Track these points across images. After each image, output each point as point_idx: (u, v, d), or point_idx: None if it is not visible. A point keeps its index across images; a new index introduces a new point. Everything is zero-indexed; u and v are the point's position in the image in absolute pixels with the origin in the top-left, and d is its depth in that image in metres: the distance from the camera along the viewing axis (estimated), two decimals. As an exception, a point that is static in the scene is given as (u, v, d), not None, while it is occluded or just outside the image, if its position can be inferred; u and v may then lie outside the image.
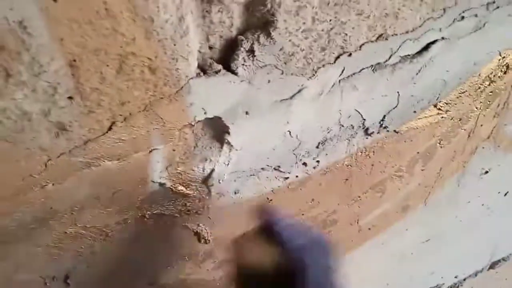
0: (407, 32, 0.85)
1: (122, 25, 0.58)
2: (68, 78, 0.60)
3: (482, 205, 1.62)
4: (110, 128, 0.69)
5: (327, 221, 1.23)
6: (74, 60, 0.58)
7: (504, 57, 1.07)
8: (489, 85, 1.12)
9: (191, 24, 0.65)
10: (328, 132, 0.98)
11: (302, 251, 0.69)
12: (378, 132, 1.07)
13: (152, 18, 0.60)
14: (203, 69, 0.72)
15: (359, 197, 1.23)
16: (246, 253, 0.76)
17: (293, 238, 0.71)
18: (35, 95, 0.59)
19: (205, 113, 0.77)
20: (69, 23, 0.55)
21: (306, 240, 0.71)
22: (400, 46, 0.87)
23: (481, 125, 1.25)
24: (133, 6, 0.57)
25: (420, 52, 0.93)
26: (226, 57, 0.74)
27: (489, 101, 1.19)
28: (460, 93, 1.10)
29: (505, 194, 1.65)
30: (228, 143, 0.85)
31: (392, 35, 0.84)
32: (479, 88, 1.12)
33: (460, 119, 1.19)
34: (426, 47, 0.93)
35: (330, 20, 0.75)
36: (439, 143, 1.21)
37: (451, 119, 1.17)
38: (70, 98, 0.62)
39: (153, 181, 0.84)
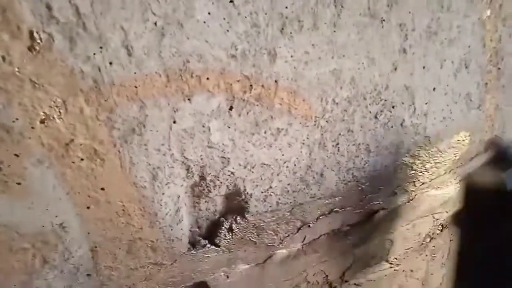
0: (351, 206, 1.06)
1: (134, 219, 0.76)
2: (89, 260, 0.76)
3: None
4: (116, 297, 0.83)
5: None
6: (95, 247, 0.75)
7: (437, 219, 1.28)
8: (430, 241, 1.31)
9: (184, 213, 0.84)
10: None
11: None
12: (341, 286, 1.21)
13: (156, 213, 0.78)
14: (193, 244, 0.89)
15: None
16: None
17: None
18: (62, 275, 0.74)
19: (193, 279, 0.92)
20: (96, 221, 0.73)
21: None
22: (349, 217, 1.07)
23: (432, 274, 1.40)
24: (143, 206, 0.76)
25: (367, 220, 1.13)
26: (211, 233, 0.91)
27: (433, 254, 1.37)
28: (406, 249, 1.28)
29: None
30: (212, 303, 0.98)
31: (341, 209, 1.05)
32: (422, 244, 1.31)
33: (411, 271, 1.35)
34: (371, 215, 1.13)
35: (291, 202, 0.96)
36: (397, 292, 1.35)
37: (403, 271, 1.32)
38: (88, 275, 0.77)
39: None
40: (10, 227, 0.65)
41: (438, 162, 1.14)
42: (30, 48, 0.55)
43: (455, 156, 1.16)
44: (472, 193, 0.86)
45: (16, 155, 0.60)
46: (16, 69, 0.55)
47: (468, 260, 0.85)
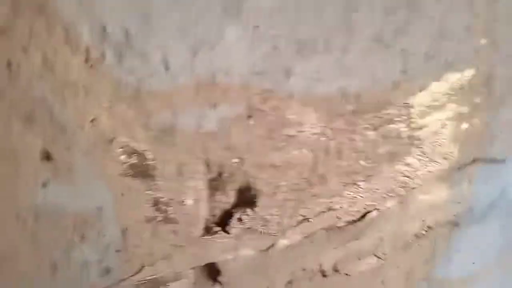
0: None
1: (161, 207, 0.84)
2: (119, 239, 0.84)
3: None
4: (139, 271, 0.91)
5: None
6: (126, 228, 0.83)
7: (424, 221, 1.34)
8: (416, 240, 1.38)
9: (202, 203, 0.91)
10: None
11: None
12: (333, 275, 1.28)
13: (179, 202, 0.86)
14: (207, 230, 0.97)
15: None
16: None
17: None
18: (96, 250, 0.82)
19: (205, 259, 1.00)
20: (128, 207, 0.81)
21: None
22: (344, 214, 1.14)
23: (415, 269, 1.47)
24: (168, 196, 0.84)
25: (360, 218, 1.20)
26: (223, 222, 0.99)
27: (419, 252, 1.43)
28: (394, 246, 1.34)
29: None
30: (220, 282, 1.06)
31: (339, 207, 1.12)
32: (409, 242, 1.38)
33: (397, 266, 1.42)
34: (365, 215, 1.20)
35: (295, 199, 1.03)
36: (382, 283, 1.42)
37: (390, 265, 1.40)
38: (117, 251, 0.85)
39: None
40: (57, 206, 0.73)
41: (430, 171, 1.20)
42: (86, 61, 0.62)
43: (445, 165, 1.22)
44: None
45: (67, 148, 0.68)
46: (74, 78, 0.62)
47: None
